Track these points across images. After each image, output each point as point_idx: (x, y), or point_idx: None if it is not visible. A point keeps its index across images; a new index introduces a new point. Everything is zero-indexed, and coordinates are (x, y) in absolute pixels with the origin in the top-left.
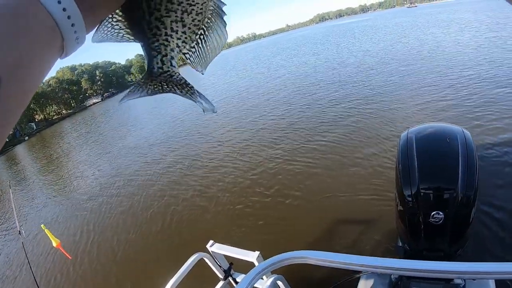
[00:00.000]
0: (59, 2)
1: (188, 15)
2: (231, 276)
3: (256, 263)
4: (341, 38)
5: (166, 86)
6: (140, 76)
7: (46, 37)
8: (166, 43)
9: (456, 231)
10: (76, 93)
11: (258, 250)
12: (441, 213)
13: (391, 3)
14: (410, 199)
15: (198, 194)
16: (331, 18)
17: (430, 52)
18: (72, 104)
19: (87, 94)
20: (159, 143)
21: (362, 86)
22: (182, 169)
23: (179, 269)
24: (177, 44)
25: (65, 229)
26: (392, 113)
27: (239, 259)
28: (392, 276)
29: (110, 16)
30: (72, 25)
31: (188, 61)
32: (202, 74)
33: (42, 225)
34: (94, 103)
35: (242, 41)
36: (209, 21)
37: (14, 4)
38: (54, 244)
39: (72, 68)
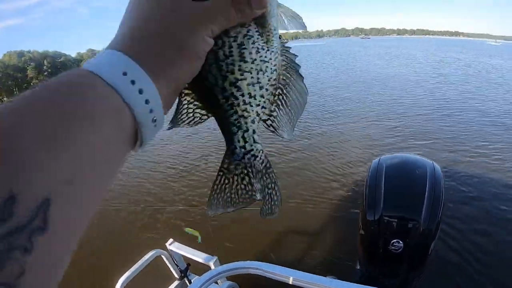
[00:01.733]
0: (151, 112)
1: (263, 73)
2: (187, 277)
3: (213, 267)
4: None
5: (252, 176)
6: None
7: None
8: (246, 113)
9: (414, 261)
10: (20, 81)
11: (216, 255)
12: (401, 242)
13: (346, 32)
14: (372, 224)
15: (153, 194)
16: (287, 39)
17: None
18: (15, 92)
19: (32, 84)
20: None
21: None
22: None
23: (134, 265)
24: (256, 112)
25: None
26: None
27: (197, 261)
28: None
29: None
30: (155, 125)
31: (271, 128)
32: (289, 140)
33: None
34: None
35: None
36: (284, 77)
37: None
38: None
39: (20, 54)
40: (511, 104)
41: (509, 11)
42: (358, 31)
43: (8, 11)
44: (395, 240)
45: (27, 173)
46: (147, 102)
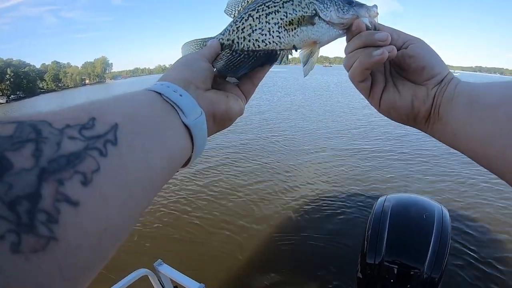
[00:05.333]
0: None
1: (261, 33)
2: None
3: None
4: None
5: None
6: (53, 85)
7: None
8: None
9: None
10: None
11: (203, 283)
12: None
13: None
14: (372, 268)
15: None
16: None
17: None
18: None
19: None
20: None
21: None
22: None
23: (118, 281)
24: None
25: None
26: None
27: (182, 285)
28: None
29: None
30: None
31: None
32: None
33: None
34: None
35: (163, 70)
36: (259, 54)
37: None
38: None
39: None
40: None
41: (466, 43)
42: (323, 59)
43: None
44: None
45: (102, 105)
46: (168, 87)
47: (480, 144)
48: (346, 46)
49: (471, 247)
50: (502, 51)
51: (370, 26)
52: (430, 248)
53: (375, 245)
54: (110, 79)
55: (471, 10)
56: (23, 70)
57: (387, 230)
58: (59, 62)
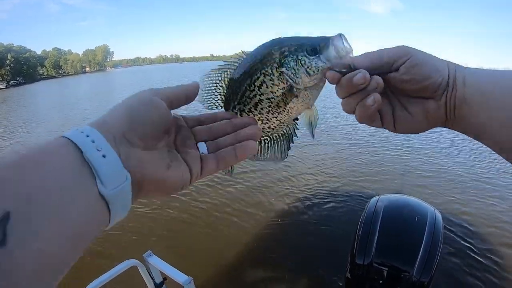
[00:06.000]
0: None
1: (262, 123)
2: None
3: None
4: None
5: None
6: (53, 71)
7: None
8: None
9: None
10: None
11: (191, 276)
12: None
13: None
14: (360, 269)
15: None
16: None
17: None
18: None
19: None
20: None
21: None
22: None
23: (106, 272)
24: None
25: None
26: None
27: (170, 277)
28: None
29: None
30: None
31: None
32: (253, 160)
33: None
34: None
35: (164, 60)
36: (277, 136)
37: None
38: None
39: None
40: None
41: (466, 42)
42: None
43: None
44: None
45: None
46: (93, 141)
47: (504, 142)
48: (336, 91)
49: (463, 249)
50: (503, 51)
51: (346, 70)
52: (421, 251)
53: (365, 246)
54: (110, 67)
55: (472, 9)
56: (23, 55)
57: (377, 231)
58: (60, 49)
